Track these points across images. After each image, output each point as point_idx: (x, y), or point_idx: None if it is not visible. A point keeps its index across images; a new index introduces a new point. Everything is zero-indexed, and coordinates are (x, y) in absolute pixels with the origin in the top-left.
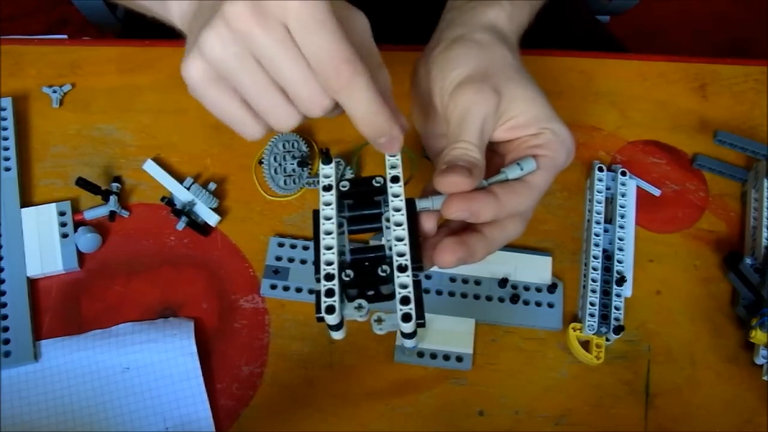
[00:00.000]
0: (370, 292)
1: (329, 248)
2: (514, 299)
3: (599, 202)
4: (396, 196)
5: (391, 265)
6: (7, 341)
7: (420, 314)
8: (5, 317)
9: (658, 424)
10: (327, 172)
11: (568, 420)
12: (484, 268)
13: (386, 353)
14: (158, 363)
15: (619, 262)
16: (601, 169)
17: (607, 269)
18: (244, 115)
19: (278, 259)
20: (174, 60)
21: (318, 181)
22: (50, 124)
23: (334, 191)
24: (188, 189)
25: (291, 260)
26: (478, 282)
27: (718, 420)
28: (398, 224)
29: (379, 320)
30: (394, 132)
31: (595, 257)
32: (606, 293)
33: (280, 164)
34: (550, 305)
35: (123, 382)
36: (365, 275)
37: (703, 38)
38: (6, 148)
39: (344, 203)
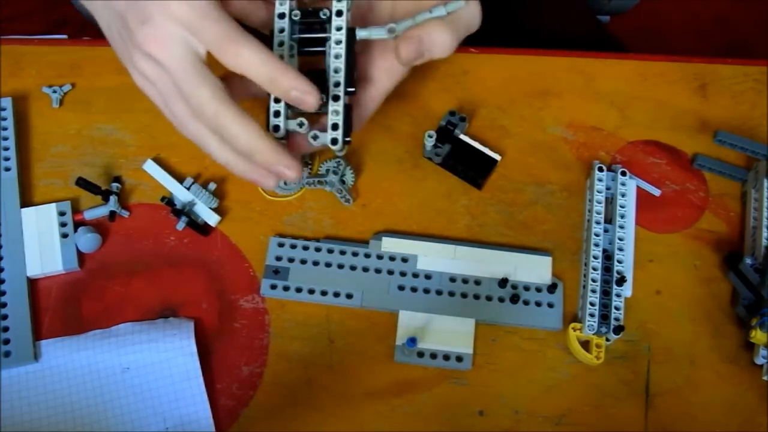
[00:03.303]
0: None
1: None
2: (514, 299)
3: (599, 202)
4: (338, 29)
5: (327, 91)
6: (7, 341)
7: (347, 134)
8: (5, 317)
9: (658, 424)
10: None
11: (568, 420)
12: (484, 268)
13: (386, 353)
14: (158, 363)
15: (619, 262)
16: (601, 169)
17: (607, 269)
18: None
19: (278, 259)
20: None
21: (317, 182)
22: (50, 124)
23: (287, 19)
24: (188, 189)
25: (291, 260)
26: (478, 282)
27: (718, 420)
28: (336, 56)
29: (315, 137)
30: (300, 85)
31: (595, 257)
32: (606, 293)
33: None
34: (550, 305)
35: (123, 382)
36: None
37: (703, 38)
38: (6, 148)
39: (296, 27)
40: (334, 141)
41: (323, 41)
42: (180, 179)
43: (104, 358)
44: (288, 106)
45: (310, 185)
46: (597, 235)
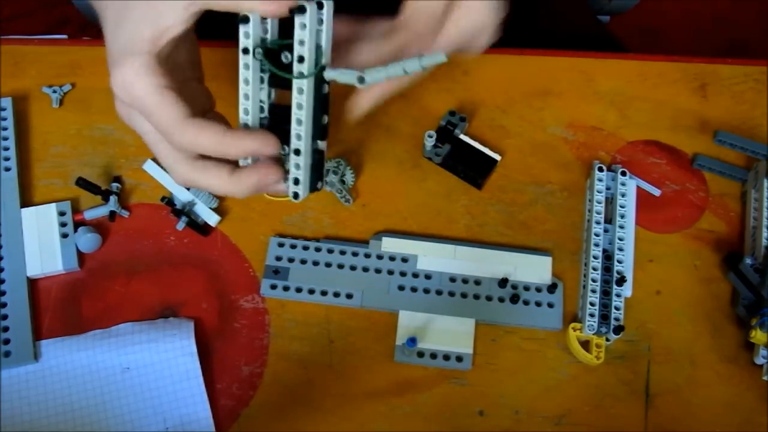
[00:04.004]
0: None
1: (246, 113)
2: (514, 299)
3: (599, 202)
4: (300, 74)
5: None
6: (7, 341)
7: (315, 184)
8: (5, 317)
9: (658, 424)
10: (247, 31)
11: (568, 420)
12: (484, 268)
13: (386, 353)
14: (158, 363)
15: (619, 262)
16: (601, 169)
17: (607, 269)
18: None
19: (278, 259)
20: None
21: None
22: (50, 124)
23: (250, 54)
24: (188, 189)
25: (291, 260)
26: (478, 282)
27: (718, 420)
28: (299, 105)
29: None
30: (253, 146)
31: (595, 257)
32: (606, 293)
33: None
34: (550, 305)
35: (123, 382)
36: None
37: (703, 38)
38: (6, 148)
39: (262, 63)
40: (296, 195)
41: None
42: None
43: (104, 358)
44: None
45: None
46: (597, 235)
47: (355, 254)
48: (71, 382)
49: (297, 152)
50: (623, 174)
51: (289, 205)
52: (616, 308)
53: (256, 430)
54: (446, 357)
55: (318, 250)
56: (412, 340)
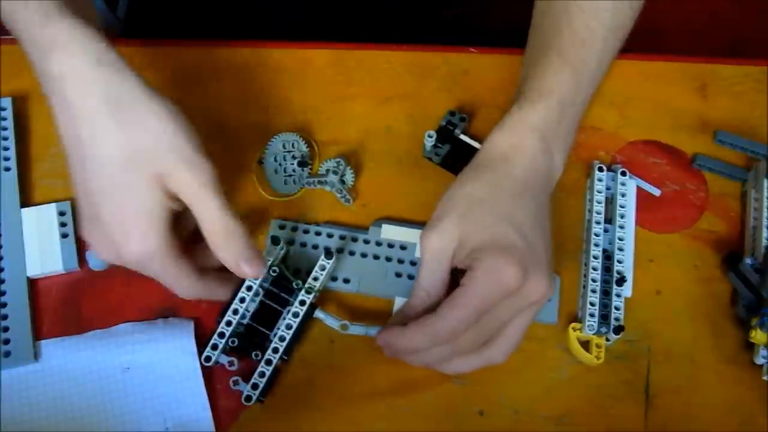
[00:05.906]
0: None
1: (235, 312)
2: None
3: (599, 202)
4: (301, 303)
5: (265, 350)
6: (7, 341)
7: (264, 395)
8: (5, 317)
9: (658, 424)
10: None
11: (568, 420)
12: None
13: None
14: (158, 363)
15: (619, 262)
16: (601, 169)
17: (607, 269)
18: None
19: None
20: (174, 60)
21: (317, 182)
22: (50, 124)
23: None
24: None
25: (290, 243)
26: None
27: (718, 420)
28: (288, 326)
29: (236, 382)
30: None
31: (595, 257)
32: (606, 293)
33: (280, 164)
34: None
35: (123, 383)
36: (243, 350)
37: (703, 38)
38: (6, 148)
39: (269, 277)
40: (248, 398)
41: (284, 302)
42: None
43: (104, 358)
44: (224, 340)
45: (310, 185)
46: (597, 235)
47: (354, 240)
48: (71, 382)
49: (268, 362)
50: (623, 174)
51: (289, 205)
52: (616, 308)
53: (256, 430)
54: None
55: (318, 234)
56: None
